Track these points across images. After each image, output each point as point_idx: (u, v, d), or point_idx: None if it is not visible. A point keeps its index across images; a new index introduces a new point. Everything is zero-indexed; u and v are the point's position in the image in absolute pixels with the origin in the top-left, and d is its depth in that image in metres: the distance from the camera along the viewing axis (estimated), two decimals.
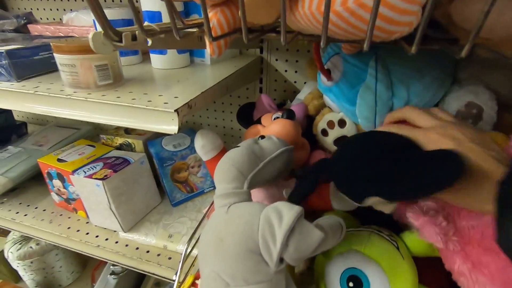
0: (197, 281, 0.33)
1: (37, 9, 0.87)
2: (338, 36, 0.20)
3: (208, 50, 0.24)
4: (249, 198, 0.31)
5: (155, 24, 0.26)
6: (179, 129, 0.38)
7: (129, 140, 0.69)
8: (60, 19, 0.85)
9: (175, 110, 0.37)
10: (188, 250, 0.40)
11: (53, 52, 0.41)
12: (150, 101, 0.39)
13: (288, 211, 0.26)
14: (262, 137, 0.38)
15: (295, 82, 0.74)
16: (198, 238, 0.36)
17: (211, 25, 0.23)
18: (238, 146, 0.35)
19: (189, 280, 0.33)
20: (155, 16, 0.51)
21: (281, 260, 0.26)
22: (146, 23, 0.27)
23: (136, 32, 0.23)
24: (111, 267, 0.82)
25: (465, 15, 0.20)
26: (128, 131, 0.73)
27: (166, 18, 0.52)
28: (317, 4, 0.18)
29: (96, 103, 0.40)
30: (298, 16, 0.20)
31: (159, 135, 0.71)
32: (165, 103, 0.39)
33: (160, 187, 0.68)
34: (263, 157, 0.34)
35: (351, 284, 0.31)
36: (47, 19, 0.88)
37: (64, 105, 0.41)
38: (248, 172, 0.32)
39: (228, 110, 0.85)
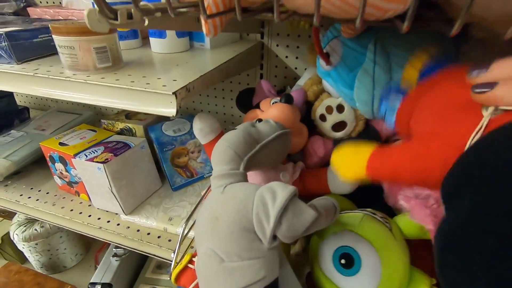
0: (194, 259, 0.34)
1: None
2: (333, 14, 0.20)
3: (204, 30, 0.24)
4: (244, 179, 0.32)
5: (152, 3, 0.26)
6: (177, 112, 0.38)
7: (130, 125, 0.69)
8: (60, 2, 0.85)
9: (173, 93, 0.37)
10: (186, 231, 0.41)
11: (51, 34, 0.41)
12: (149, 84, 0.39)
13: (282, 191, 0.26)
14: (260, 120, 0.39)
15: (295, 68, 0.74)
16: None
17: (206, 4, 0.23)
18: (235, 129, 0.35)
19: (186, 258, 0.34)
20: None
21: (274, 237, 0.27)
22: (143, 2, 0.27)
23: (132, 10, 0.23)
24: (114, 249, 0.84)
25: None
26: (128, 116, 0.73)
27: None
28: None
29: (95, 86, 0.40)
30: None
31: (160, 120, 0.71)
32: (163, 86, 0.39)
33: (161, 171, 0.68)
34: (260, 140, 0.35)
35: (343, 261, 0.32)
36: (47, 2, 0.87)
37: (63, 87, 0.42)
38: (244, 154, 0.33)
39: (228, 97, 0.85)
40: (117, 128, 0.71)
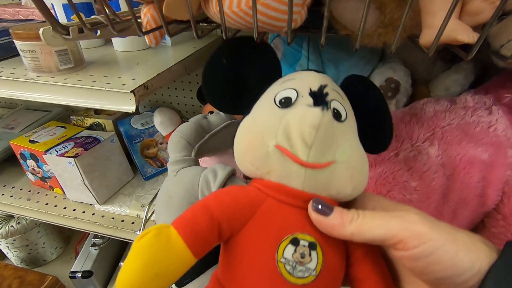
0: None
1: None
2: (241, 27, 0.26)
3: (147, 41, 0.29)
4: (195, 164, 0.37)
5: (101, 16, 0.31)
6: (137, 108, 0.43)
7: (99, 120, 0.72)
8: (19, 0, 0.84)
9: (131, 91, 0.41)
10: (150, 213, 0.47)
11: (13, 38, 0.44)
12: (109, 83, 0.43)
13: (222, 170, 0.32)
14: (211, 112, 0.44)
15: None
16: None
17: (146, 20, 0.28)
18: (188, 121, 0.41)
19: None
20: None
21: None
22: (93, 16, 0.31)
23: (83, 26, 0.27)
24: (92, 239, 0.88)
25: (339, 12, 0.26)
26: (97, 111, 0.76)
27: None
28: (215, 4, 0.23)
29: (58, 86, 0.43)
30: (211, 13, 0.25)
31: (128, 115, 0.74)
32: (123, 84, 0.43)
33: (133, 163, 0.73)
34: (209, 130, 0.40)
35: None
36: (5, 0, 0.86)
37: (28, 88, 0.45)
38: (195, 143, 0.38)
39: (195, 89, 0.89)
40: (86, 123, 0.74)
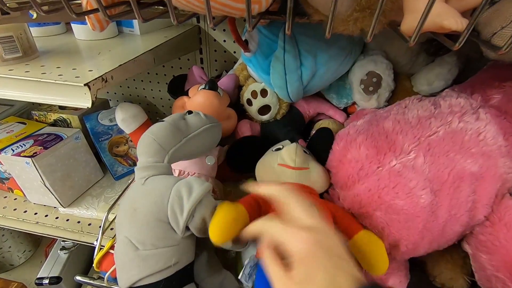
0: (115, 244, 0.35)
1: None
2: (195, 9, 0.22)
3: (89, 25, 0.25)
4: (168, 172, 0.33)
5: None
6: (93, 104, 0.38)
7: (64, 116, 0.67)
8: None
9: (86, 84, 0.36)
10: (107, 219, 0.42)
11: None
12: (61, 75, 0.38)
13: (199, 186, 0.29)
14: (190, 112, 0.39)
15: (234, 52, 0.75)
16: None
17: (86, 0, 0.23)
18: (163, 121, 0.36)
19: (108, 244, 0.36)
20: None
21: (188, 228, 0.29)
22: None
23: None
24: (62, 242, 0.83)
25: None
26: (62, 106, 0.70)
27: None
28: None
29: (1, 78, 0.38)
30: None
31: (96, 109, 0.69)
32: (76, 77, 0.38)
33: (102, 162, 0.67)
34: (187, 133, 0.35)
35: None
36: None
37: None
38: (169, 147, 0.33)
39: None
40: (50, 119, 0.68)
